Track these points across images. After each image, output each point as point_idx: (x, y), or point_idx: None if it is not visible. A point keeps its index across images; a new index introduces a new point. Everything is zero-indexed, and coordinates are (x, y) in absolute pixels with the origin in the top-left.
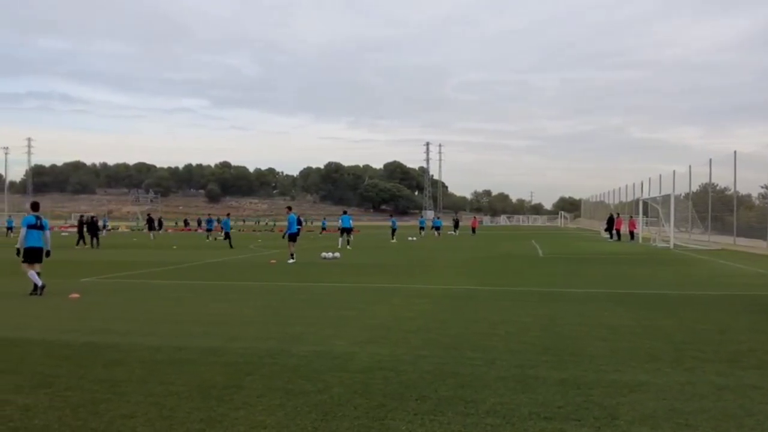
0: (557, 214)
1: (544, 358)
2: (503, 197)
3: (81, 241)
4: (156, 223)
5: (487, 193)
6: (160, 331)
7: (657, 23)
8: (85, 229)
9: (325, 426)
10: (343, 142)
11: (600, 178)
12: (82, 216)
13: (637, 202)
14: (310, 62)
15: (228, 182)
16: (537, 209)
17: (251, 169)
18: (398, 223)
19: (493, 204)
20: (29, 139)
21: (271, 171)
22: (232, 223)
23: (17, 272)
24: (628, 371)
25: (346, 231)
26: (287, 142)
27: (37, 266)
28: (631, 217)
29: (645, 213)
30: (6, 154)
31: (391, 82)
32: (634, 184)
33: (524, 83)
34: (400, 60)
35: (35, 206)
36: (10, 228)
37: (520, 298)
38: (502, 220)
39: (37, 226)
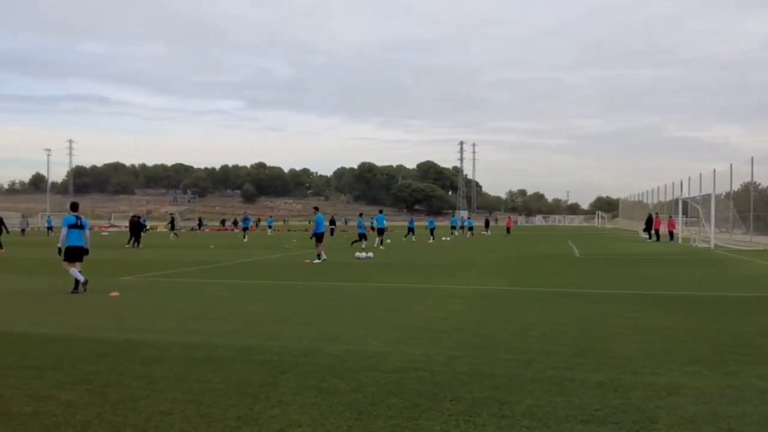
0: (594, 214)
1: (581, 360)
2: (538, 197)
3: (133, 240)
4: (197, 223)
5: (522, 192)
6: (197, 329)
7: (694, 19)
8: (145, 228)
9: (359, 425)
10: (376, 143)
11: (638, 177)
12: (137, 216)
13: (676, 201)
14: (343, 63)
15: (263, 182)
16: (573, 209)
17: (286, 170)
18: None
19: (528, 204)
20: (70, 141)
21: (305, 171)
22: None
23: (59, 271)
24: (666, 374)
25: (379, 231)
26: (321, 143)
27: (78, 265)
28: (671, 217)
29: (684, 213)
30: (48, 155)
31: (424, 81)
32: (673, 183)
33: (558, 81)
34: (433, 59)
35: (74, 206)
36: (50, 228)
37: (555, 299)
38: (538, 220)
39: (78, 226)
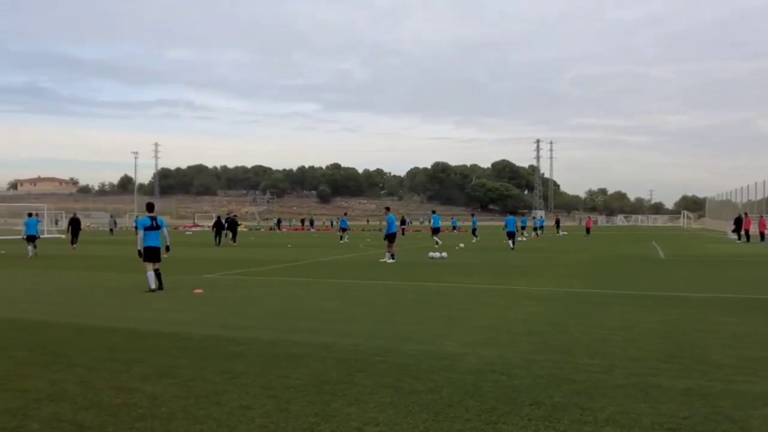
0: (679, 213)
1: (667, 366)
2: (620, 196)
3: (232, 238)
4: (275, 223)
5: (603, 191)
6: (276, 325)
7: None
8: (225, 227)
9: (436, 426)
10: (451, 142)
11: (726, 175)
12: (229, 215)
13: (767, 200)
14: (418, 63)
15: (338, 183)
16: (657, 209)
17: (360, 170)
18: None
19: (608, 203)
20: (156, 144)
21: (378, 171)
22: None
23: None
24: (760, 382)
25: (435, 231)
26: (396, 143)
27: (156, 264)
28: (761, 216)
29: None
30: (136, 158)
31: (501, 79)
32: (764, 181)
33: (642, 76)
34: (510, 56)
35: (150, 207)
36: (137, 227)
37: (638, 303)
38: (619, 220)
39: (153, 227)
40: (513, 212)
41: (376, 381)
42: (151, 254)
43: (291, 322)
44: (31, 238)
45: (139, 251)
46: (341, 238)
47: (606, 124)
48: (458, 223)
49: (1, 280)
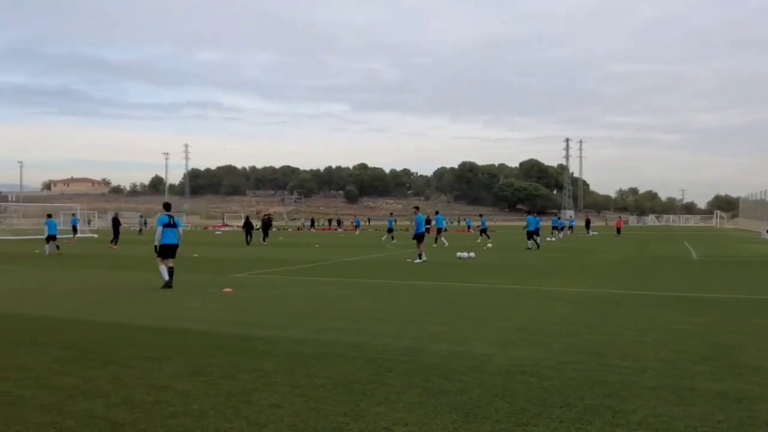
0: (712, 213)
1: (701, 369)
2: (651, 195)
3: (263, 238)
4: (309, 223)
5: (634, 191)
6: (305, 325)
7: None
8: (258, 226)
9: (465, 427)
10: (479, 142)
11: (761, 174)
12: (266, 215)
13: None
14: (447, 63)
15: (365, 183)
16: (689, 208)
17: (387, 170)
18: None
19: (639, 203)
20: (186, 145)
21: (405, 171)
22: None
23: (178, 268)
24: None
25: (439, 231)
26: (424, 143)
27: (170, 261)
28: None
29: None
30: (166, 159)
31: (529, 78)
32: None
33: (673, 73)
34: (539, 55)
35: (168, 206)
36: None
37: (670, 304)
38: (650, 219)
39: (171, 225)
40: (531, 212)
41: (405, 381)
42: (168, 251)
43: (319, 322)
44: (51, 238)
45: (155, 247)
46: (392, 238)
47: (636, 122)
48: (472, 223)
49: (35, 279)
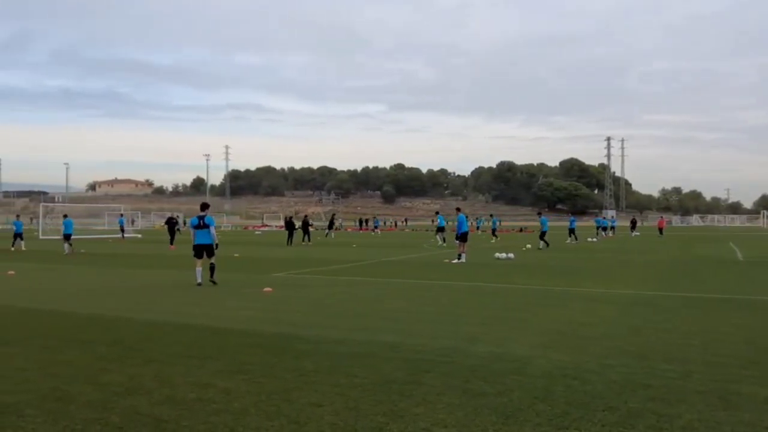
0: (759, 213)
1: (748, 373)
2: (695, 195)
3: (305, 238)
4: (359, 223)
5: (677, 190)
6: (343, 324)
7: None
8: (299, 226)
9: (505, 430)
10: (517, 141)
11: None
12: (305, 216)
13: None
14: (484, 62)
15: (402, 183)
16: (734, 208)
17: (424, 170)
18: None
19: (683, 202)
20: (227, 147)
21: (442, 171)
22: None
23: (219, 267)
24: None
25: (440, 230)
26: (461, 143)
27: (208, 260)
28: None
29: None
30: (207, 160)
31: (568, 76)
32: None
33: (716, 71)
34: (578, 53)
35: (202, 207)
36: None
37: (716, 306)
38: (694, 220)
39: (200, 226)
40: (540, 212)
41: (444, 382)
42: (198, 251)
43: (357, 321)
44: (67, 237)
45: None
46: (442, 239)
47: (679, 120)
48: (483, 223)
49: (80, 277)
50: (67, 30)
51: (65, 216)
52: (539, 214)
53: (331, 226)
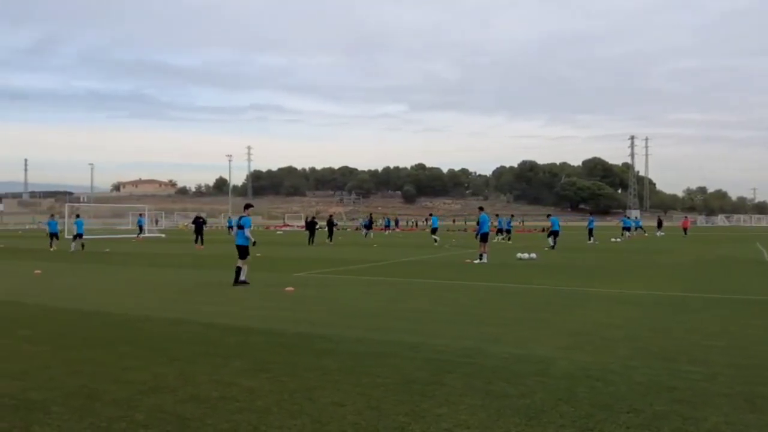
0: None
1: None
2: (721, 195)
3: (328, 237)
4: (385, 224)
5: (702, 190)
6: (363, 324)
7: None
8: (321, 225)
9: (529, 431)
10: (540, 140)
11: None
12: (330, 216)
13: None
14: (507, 62)
15: (422, 183)
16: (761, 208)
17: (445, 170)
18: (595, 223)
19: (708, 202)
20: (249, 147)
21: (463, 171)
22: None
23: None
24: None
25: (433, 231)
26: (483, 143)
27: (240, 261)
28: None
29: None
30: (230, 161)
31: (592, 75)
32: None
33: (743, 68)
34: (602, 51)
35: (245, 207)
36: (230, 227)
37: (742, 308)
38: (720, 220)
39: (238, 227)
40: (550, 214)
41: (466, 383)
42: (237, 251)
43: (378, 321)
44: (78, 236)
45: None
46: (434, 240)
47: (704, 119)
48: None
49: (104, 276)
50: (95, 32)
51: (77, 216)
52: (549, 216)
53: (369, 226)
